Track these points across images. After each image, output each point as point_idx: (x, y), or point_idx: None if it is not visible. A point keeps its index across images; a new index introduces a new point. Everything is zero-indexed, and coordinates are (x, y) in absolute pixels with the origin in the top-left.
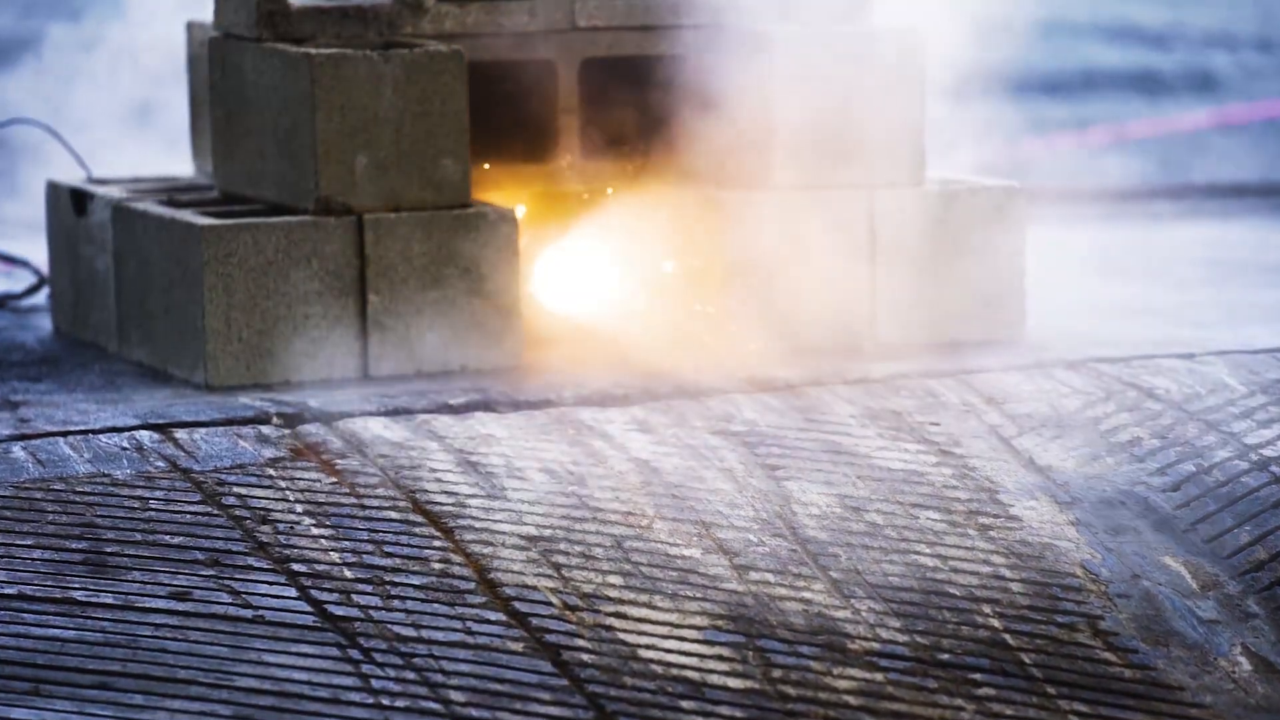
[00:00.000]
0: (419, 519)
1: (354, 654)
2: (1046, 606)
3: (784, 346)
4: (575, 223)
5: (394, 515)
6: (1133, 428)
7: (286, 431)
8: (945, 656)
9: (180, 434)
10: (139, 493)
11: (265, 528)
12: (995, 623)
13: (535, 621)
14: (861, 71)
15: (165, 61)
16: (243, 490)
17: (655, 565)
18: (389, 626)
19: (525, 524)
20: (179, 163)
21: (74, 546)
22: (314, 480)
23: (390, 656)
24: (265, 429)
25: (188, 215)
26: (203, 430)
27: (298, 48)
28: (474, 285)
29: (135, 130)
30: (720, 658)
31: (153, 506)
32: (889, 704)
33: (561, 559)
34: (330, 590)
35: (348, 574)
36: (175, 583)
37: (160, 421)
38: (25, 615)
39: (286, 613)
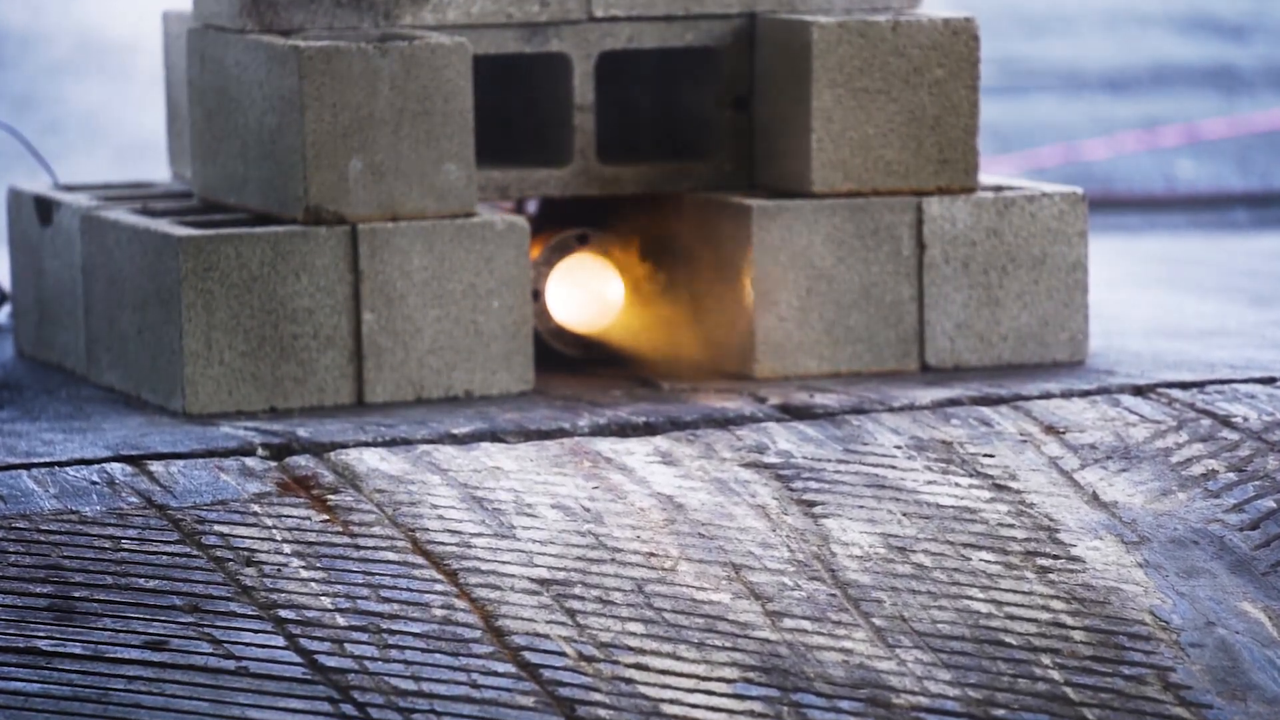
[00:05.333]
0: (419, 560)
1: (348, 709)
2: (1112, 657)
3: (822, 369)
4: (591, 232)
5: (392, 556)
6: (1207, 460)
7: (273, 464)
8: (1000, 712)
9: (156, 466)
10: (110, 531)
11: (249, 570)
12: (1055, 675)
13: (547, 673)
14: (909, 66)
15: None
16: (225, 529)
17: (680, 611)
18: (386, 679)
19: (536, 566)
20: (154, 167)
21: (38, 591)
22: (303, 518)
23: (388, 712)
24: (249, 461)
25: (164, 225)
26: (180, 462)
27: (285, 40)
28: (479, 302)
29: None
30: (752, 713)
31: (125, 547)
32: None
33: (576, 604)
34: (321, 639)
35: (341, 621)
36: (150, 631)
37: (133, 453)
38: None
39: (273, 664)
